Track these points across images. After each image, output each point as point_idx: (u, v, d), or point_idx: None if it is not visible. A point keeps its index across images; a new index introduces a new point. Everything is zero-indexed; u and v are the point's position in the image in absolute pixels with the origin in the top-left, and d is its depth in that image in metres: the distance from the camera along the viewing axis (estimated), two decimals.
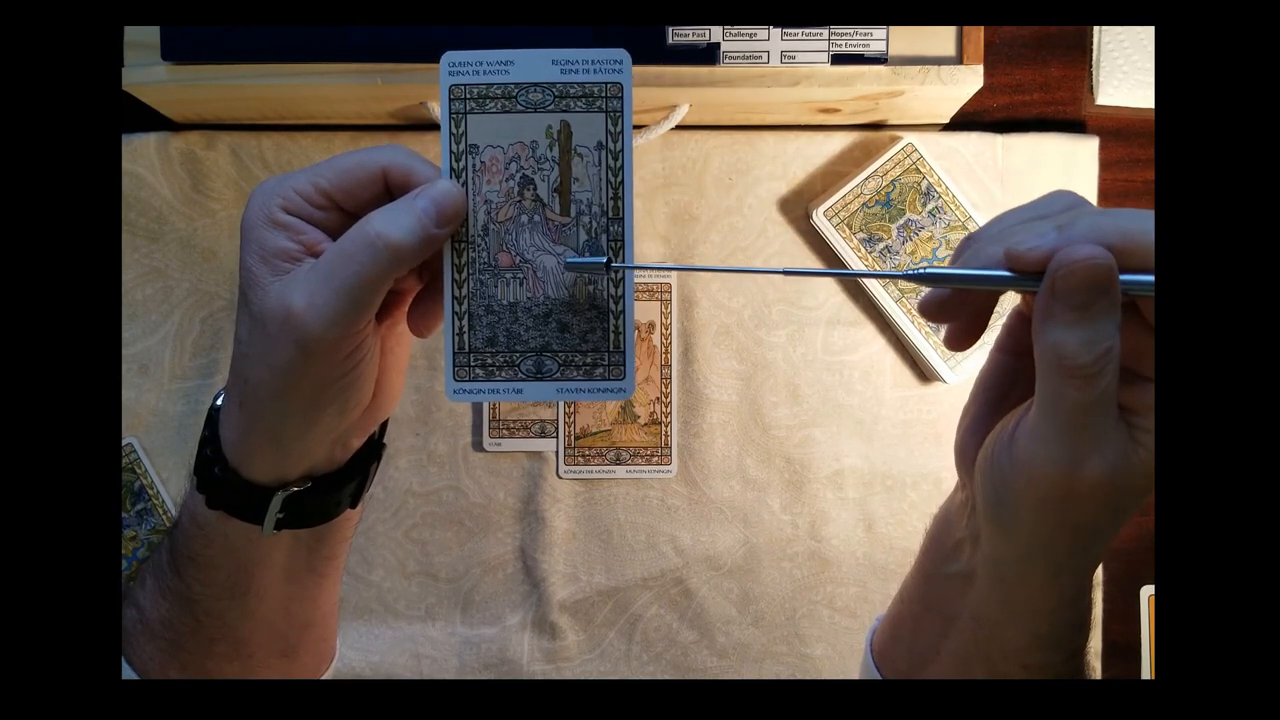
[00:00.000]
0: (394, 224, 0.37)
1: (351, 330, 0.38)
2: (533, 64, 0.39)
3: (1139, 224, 0.33)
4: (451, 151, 0.40)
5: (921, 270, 0.36)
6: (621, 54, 0.40)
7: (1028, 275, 0.34)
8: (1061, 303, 0.32)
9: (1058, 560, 0.36)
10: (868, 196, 0.64)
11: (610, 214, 0.40)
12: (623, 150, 0.40)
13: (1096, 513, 0.35)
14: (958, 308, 0.38)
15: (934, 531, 0.43)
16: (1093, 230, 0.33)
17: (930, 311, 0.38)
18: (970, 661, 0.40)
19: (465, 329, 0.40)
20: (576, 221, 0.40)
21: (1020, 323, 0.40)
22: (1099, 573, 0.65)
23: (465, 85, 0.40)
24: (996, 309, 0.40)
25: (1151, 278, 0.33)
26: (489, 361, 0.40)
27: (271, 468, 0.42)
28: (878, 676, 0.46)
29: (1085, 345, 0.32)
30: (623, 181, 0.40)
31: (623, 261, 0.40)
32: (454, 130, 0.40)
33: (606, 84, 0.40)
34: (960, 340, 0.39)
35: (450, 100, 0.40)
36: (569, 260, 0.39)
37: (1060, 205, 0.35)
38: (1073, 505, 0.34)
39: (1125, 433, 0.34)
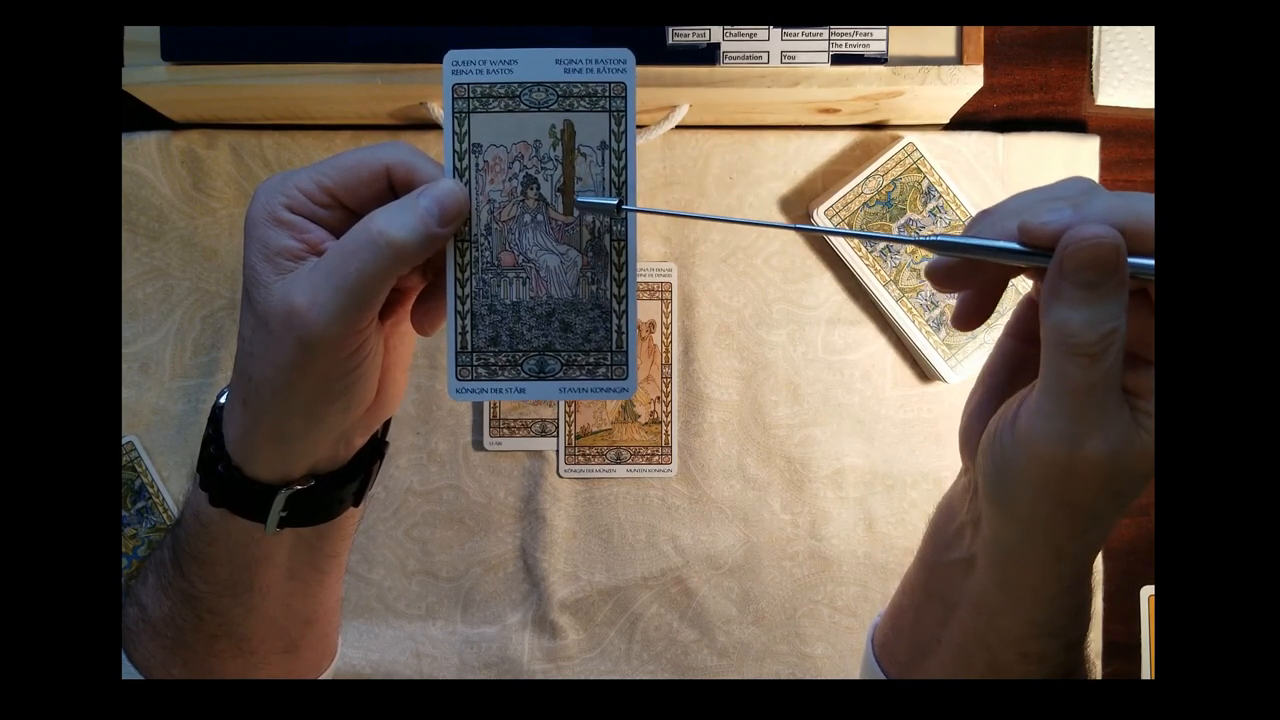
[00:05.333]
0: (396, 222, 0.37)
1: (354, 328, 0.38)
2: (536, 63, 0.39)
3: (1149, 207, 0.33)
4: (454, 150, 0.40)
5: (936, 237, 0.36)
6: (625, 54, 0.40)
7: (1039, 251, 0.34)
8: (1069, 281, 0.33)
9: (1057, 543, 0.36)
10: (868, 196, 0.64)
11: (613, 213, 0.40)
12: (626, 150, 0.40)
13: (1096, 494, 0.35)
14: (965, 278, 0.38)
15: (936, 519, 0.44)
16: (1108, 211, 0.33)
17: (937, 277, 0.38)
18: (970, 651, 0.40)
19: (468, 328, 0.40)
20: (579, 221, 0.40)
21: (1030, 309, 0.40)
22: (1099, 572, 0.65)
23: (468, 84, 0.40)
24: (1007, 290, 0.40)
25: None
26: (492, 361, 0.40)
27: (275, 466, 0.42)
28: (878, 670, 0.46)
29: (1090, 324, 0.32)
30: (626, 181, 0.40)
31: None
32: (457, 129, 0.40)
33: (610, 84, 0.40)
34: (968, 320, 0.40)
35: (454, 99, 0.40)
36: (580, 199, 0.39)
37: (1077, 189, 0.36)
38: (1072, 484, 0.34)
39: (1128, 415, 0.34)
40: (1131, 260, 0.33)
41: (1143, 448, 0.34)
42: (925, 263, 0.38)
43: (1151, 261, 0.33)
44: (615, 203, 0.39)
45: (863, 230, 0.64)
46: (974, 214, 0.63)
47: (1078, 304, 0.33)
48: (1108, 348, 0.33)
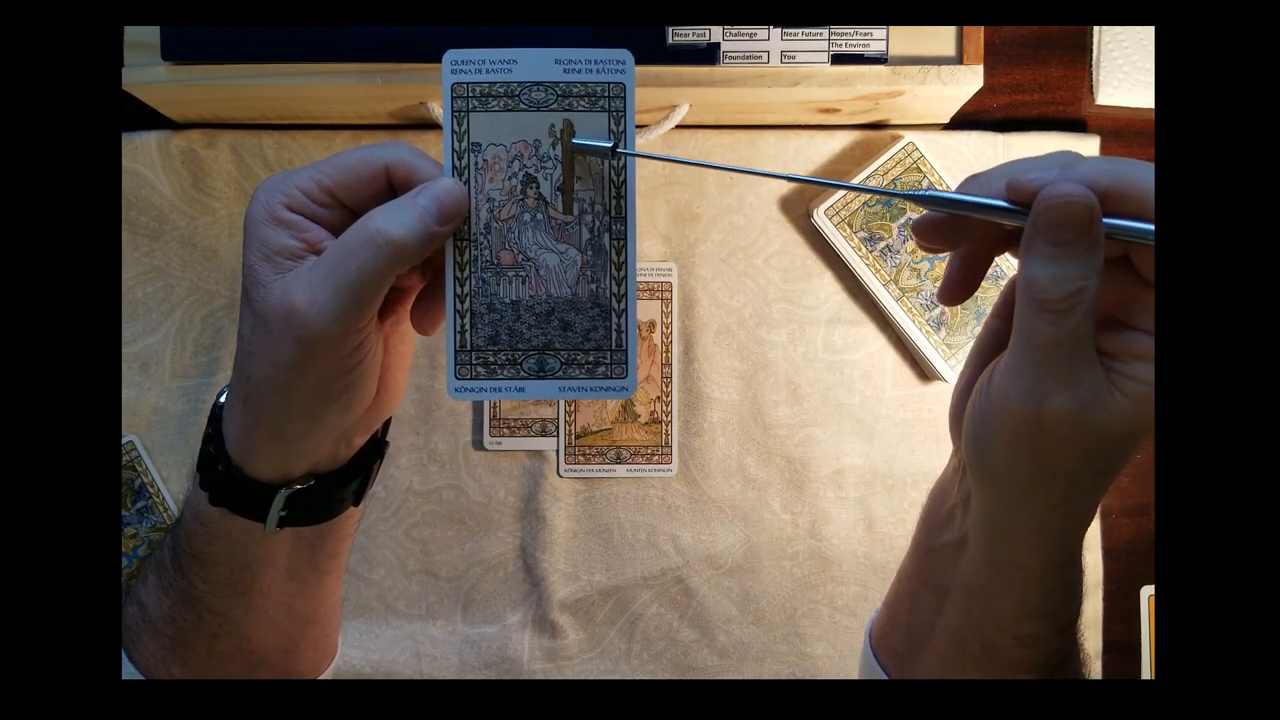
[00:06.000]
0: (395, 221, 0.37)
1: (353, 327, 0.38)
2: (536, 63, 0.40)
3: (1136, 171, 0.34)
4: (454, 150, 0.40)
5: (926, 192, 0.37)
6: (624, 54, 0.40)
7: (1024, 209, 0.35)
8: (1041, 237, 0.33)
9: (1039, 514, 0.36)
10: (868, 195, 0.64)
11: (613, 213, 0.40)
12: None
13: (1068, 455, 0.35)
14: (951, 235, 0.38)
15: (929, 504, 0.44)
16: (1091, 173, 0.34)
17: (924, 232, 0.38)
18: (964, 636, 0.40)
19: (467, 327, 0.40)
20: (579, 220, 0.40)
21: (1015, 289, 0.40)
22: (1099, 572, 0.65)
23: (468, 84, 0.40)
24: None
25: (1138, 224, 0.33)
26: (491, 360, 0.40)
27: (274, 465, 0.42)
28: (875, 663, 0.46)
29: (1058, 281, 0.33)
30: (625, 180, 0.40)
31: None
32: (456, 128, 0.40)
33: (609, 84, 0.40)
34: (954, 293, 0.40)
35: (453, 98, 0.40)
36: (576, 141, 0.39)
37: (1069, 157, 0.36)
38: (1043, 442, 0.35)
39: (1100, 374, 0.34)
40: (1114, 222, 0.33)
41: (1117, 409, 0.34)
42: (913, 219, 0.39)
43: (1132, 224, 0.33)
44: (611, 145, 0.39)
45: (863, 224, 0.64)
46: None
47: (1048, 260, 0.33)
48: (1075, 305, 0.33)
